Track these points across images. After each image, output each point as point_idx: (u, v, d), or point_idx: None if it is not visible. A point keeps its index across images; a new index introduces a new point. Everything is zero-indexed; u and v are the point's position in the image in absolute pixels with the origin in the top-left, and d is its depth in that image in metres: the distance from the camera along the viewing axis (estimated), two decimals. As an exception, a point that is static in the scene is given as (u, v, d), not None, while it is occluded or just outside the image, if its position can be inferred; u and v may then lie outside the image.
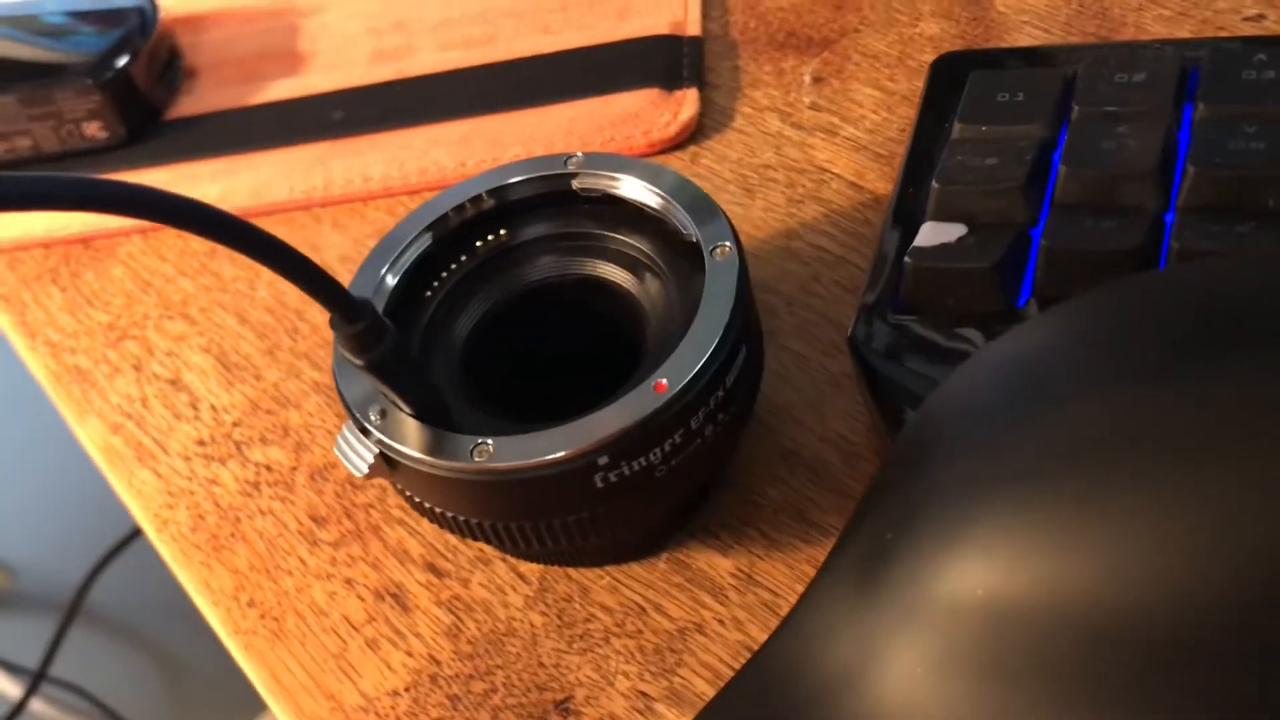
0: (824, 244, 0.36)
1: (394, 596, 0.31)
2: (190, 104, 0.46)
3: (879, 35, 0.41)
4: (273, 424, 0.36)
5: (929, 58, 0.40)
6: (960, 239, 0.29)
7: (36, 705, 0.96)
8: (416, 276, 0.31)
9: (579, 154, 0.31)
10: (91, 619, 0.98)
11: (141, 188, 0.20)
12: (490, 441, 0.26)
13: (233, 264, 0.41)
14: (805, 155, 0.38)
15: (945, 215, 0.30)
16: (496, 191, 0.31)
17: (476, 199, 0.31)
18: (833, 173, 0.38)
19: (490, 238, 0.32)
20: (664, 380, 0.26)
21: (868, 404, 0.30)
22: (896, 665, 0.23)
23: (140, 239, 0.43)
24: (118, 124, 0.44)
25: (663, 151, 0.40)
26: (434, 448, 0.26)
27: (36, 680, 0.93)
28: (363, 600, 0.31)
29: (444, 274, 0.31)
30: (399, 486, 0.28)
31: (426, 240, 0.31)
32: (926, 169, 0.32)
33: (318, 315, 0.39)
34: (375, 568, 0.32)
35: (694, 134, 0.40)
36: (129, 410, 0.38)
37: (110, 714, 1.00)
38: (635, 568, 0.30)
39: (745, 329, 0.28)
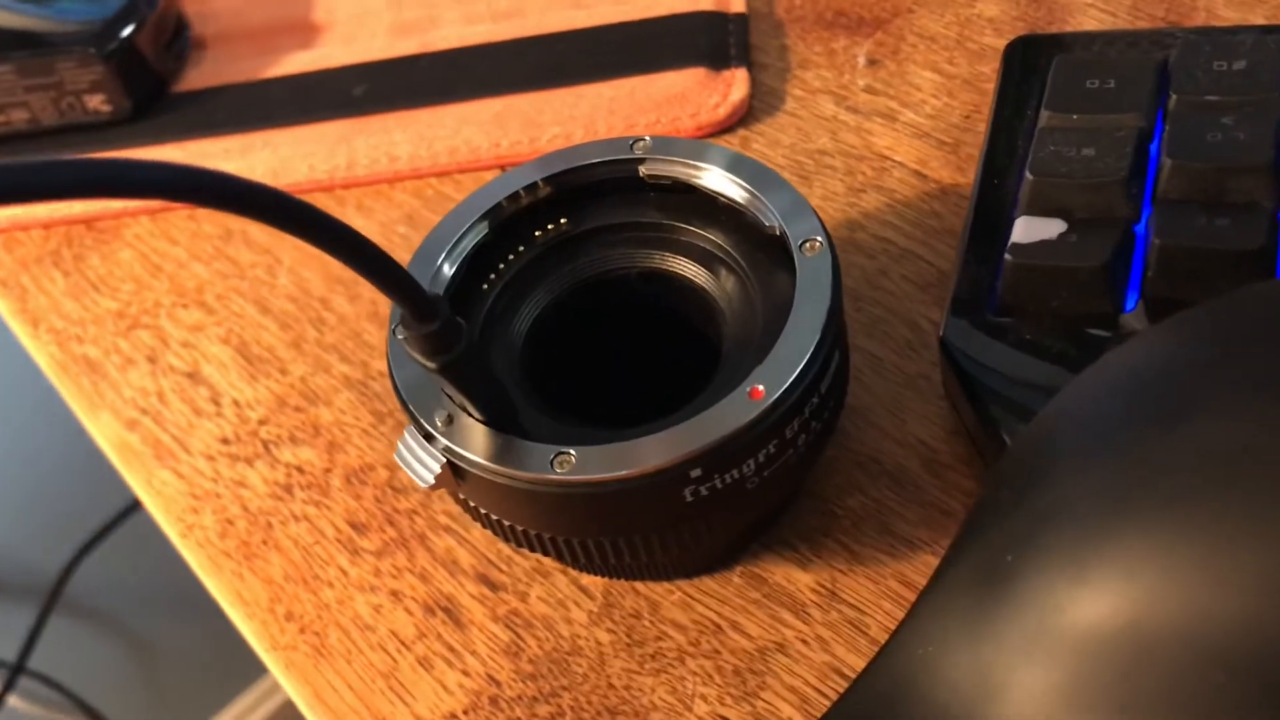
0: (890, 236, 0.34)
1: (446, 611, 0.29)
2: (199, 77, 0.43)
3: (934, 16, 0.40)
4: (302, 422, 0.34)
5: (989, 40, 0.38)
6: (1061, 235, 0.27)
7: (12, 699, 0.93)
8: (473, 268, 0.29)
9: (646, 138, 0.29)
10: (70, 610, 0.95)
11: (190, 168, 0.18)
12: (572, 452, 0.24)
13: (249, 249, 0.39)
14: (863, 141, 0.36)
15: (1040, 209, 0.28)
16: (557, 177, 0.29)
17: (534, 185, 0.29)
18: (894, 160, 0.36)
19: (550, 227, 0.29)
20: (760, 387, 0.24)
21: (958, 409, 0.28)
22: (1023, 695, 0.21)
23: (148, 220, 0.40)
24: (123, 97, 0.41)
25: (711, 135, 0.38)
26: (508, 457, 0.24)
27: (14, 674, 0.90)
28: (411, 614, 0.29)
29: (501, 265, 0.29)
30: (462, 497, 0.26)
31: (483, 229, 0.29)
32: (1010, 159, 0.31)
33: (344, 305, 0.36)
34: (423, 579, 0.30)
35: (744, 117, 0.38)
36: (144, 405, 0.35)
37: (82, 705, 0.98)
38: (708, 582, 0.28)
39: (838, 331, 0.26)
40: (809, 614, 0.27)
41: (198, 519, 0.32)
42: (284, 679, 0.29)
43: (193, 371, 0.36)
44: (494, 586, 0.29)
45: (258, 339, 0.36)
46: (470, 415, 0.25)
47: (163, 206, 0.40)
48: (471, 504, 0.26)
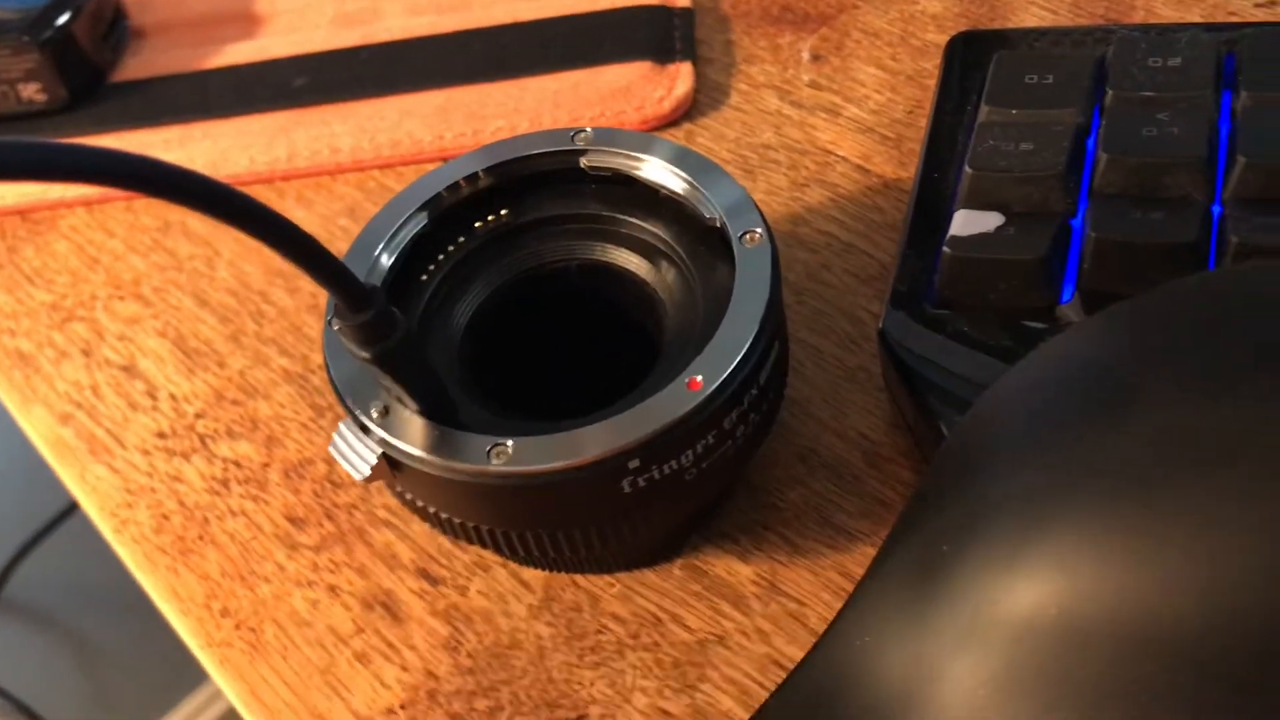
0: (832, 230, 0.34)
1: (384, 605, 0.29)
2: (137, 66, 0.43)
3: (879, 12, 0.40)
4: (240, 416, 0.33)
5: (932, 36, 0.39)
6: (999, 229, 0.27)
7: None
8: (411, 259, 0.28)
9: (588, 129, 0.29)
10: (9, 611, 0.94)
11: (104, 150, 0.18)
12: (509, 443, 0.24)
13: (188, 240, 0.38)
14: (807, 136, 0.36)
15: (978, 203, 0.28)
16: (497, 168, 0.29)
17: (474, 176, 0.29)
18: (837, 155, 0.36)
19: (490, 218, 0.29)
20: (699, 378, 0.24)
21: (897, 401, 0.28)
22: (958, 686, 0.21)
23: (84, 211, 0.40)
24: (58, 86, 0.40)
25: (656, 129, 0.38)
26: (444, 449, 0.24)
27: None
28: (349, 609, 0.29)
29: (440, 256, 0.29)
30: (399, 489, 0.26)
31: (422, 219, 0.28)
32: (950, 153, 0.31)
33: (285, 298, 0.36)
34: (362, 574, 0.29)
35: (688, 111, 0.38)
36: (79, 399, 0.35)
37: (23, 708, 0.96)
38: (648, 575, 0.28)
39: (778, 323, 0.26)
40: (749, 606, 0.27)
41: (132, 514, 0.32)
42: (218, 676, 0.29)
43: (128, 365, 0.35)
44: (433, 581, 0.29)
45: (195, 332, 0.35)
46: (406, 407, 0.24)
47: (101, 197, 0.39)
48: (409, 497, 0.26)
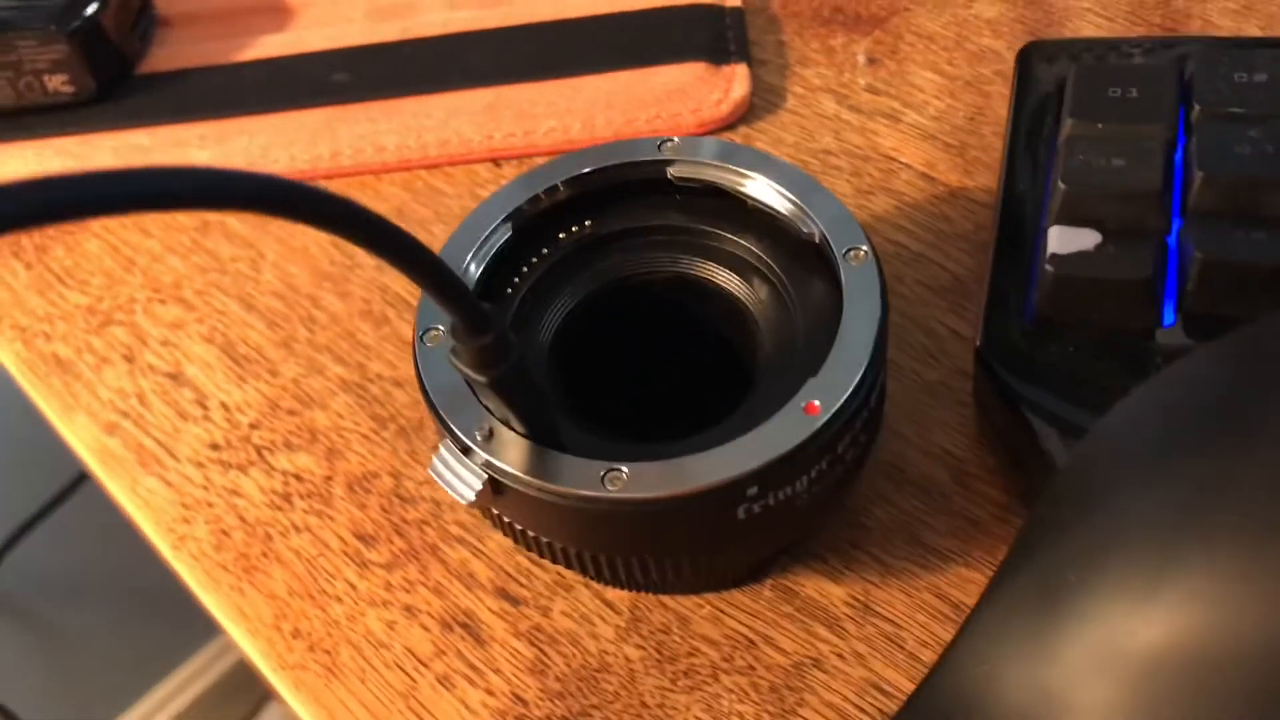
0: (901, 240, 0.34)
1: (464, 627, 0.28)
2: (165, 58, 0.41)
3: (931, 15, 0.39)
4: (297, 426, 0.32)
5: (988, 41, 0.38)
6: (1098, 247, 0.27)
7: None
8: (496, 272, 0.27)
9: (675, 138, 0.28)
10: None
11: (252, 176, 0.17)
12: (624, 469, 0.23)
13: (229, 242, 0.37)
14: (869, 141, 0.36)
15: (1072, 219, 0.28)
16: (580, 178, 0.28)
17: (555, 187, 0.28)
18: (901, 162, 0.35)
19: (574, 229, 0.28)
20: (816, 402, 0.23)
21: (992, 420, 0.28)
22: (1086, 716, 0.21)
23: (115, 209, 0.38)
24: (86, 77, 0.39)
25: (713, 132, 0.37)
26: (556, 473, 0.23)
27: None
28: (428, 631, 0.28)
29: (525, 269, 0.28)
30: (495, 512, 0.25)
31: (506, 231, 0.28)
32: (1033, 167, 0.30)
33: (336, 302, 0.35)
34: (438, 593, 0.29)
35: (745, 114, 0.37)
36: (124, 407, 0.33)
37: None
38: (737, 595, 0.28)
39: (885, 345, 0.25)
40: (843, 628, 0.27)
41: (190, 530, 0.31)
42: (294, 700, 0.28)
43: (175, 372, 0.34)
44: (514, 601, 0.28)
45: (244, 338, 0.34)
46: (512, 429, 0.24)
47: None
48: (506, 519, 0.25)
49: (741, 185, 0.28)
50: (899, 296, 0.32)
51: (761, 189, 0.27)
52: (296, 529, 0.30)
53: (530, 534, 0.25)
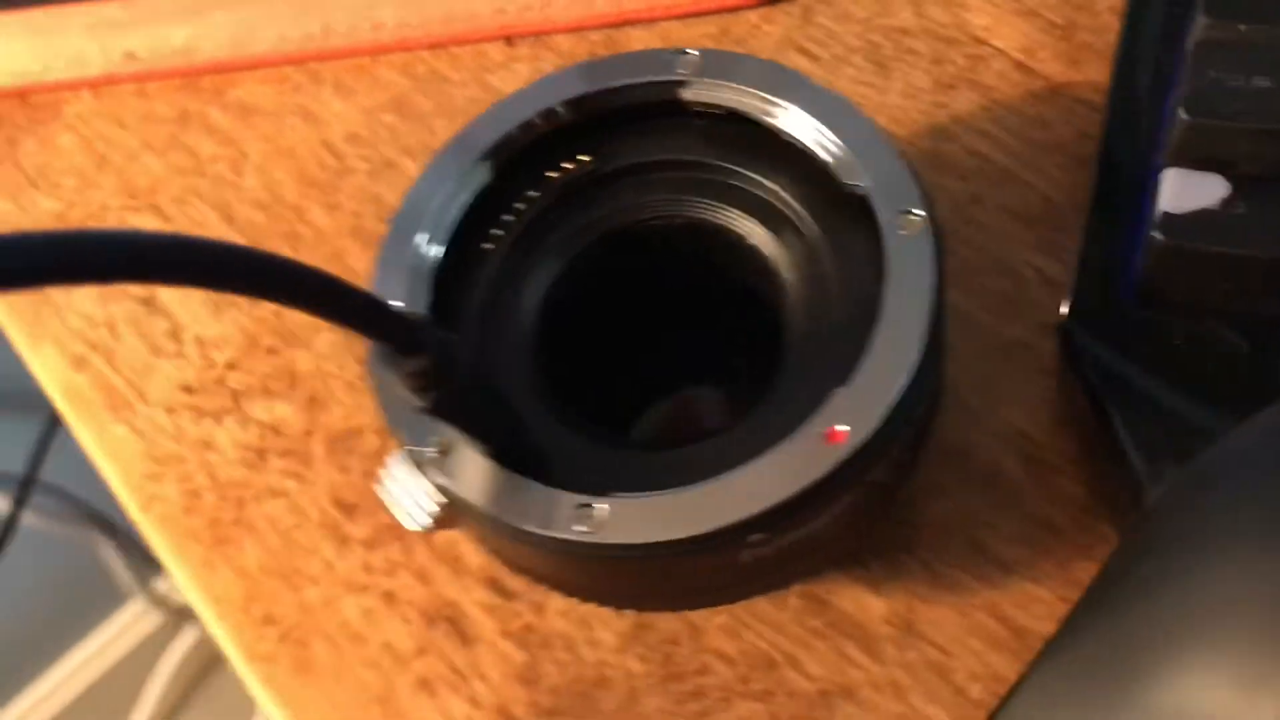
0: (985, 150, 0.28)
1: (449, 621, 0.25)
2: (141, -90, 0.36)
3: None
4: (277, 368, 0.29)
5: (1113, -118, 0.31)
6: (1225, 202, 0.21)
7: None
8: (471, 224, 0.23)
9: (694, 51, 0.23)
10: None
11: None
12: (602, 506, 0.19)
13: (210, 138, 0.32)
14: (955, 18, 0.30)
15: (1194, 159, 0.22)
16: (577, 102, 0.23)
17: (549, 112, 0.23)
18: (993, 46, 0.29)
19: (568, 165, 0.23)
20: (841, 427, 0.19)
21: (1075, 409, 0.23)
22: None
23: (90, 95, 0.34)
24: (49, -60, 0.34)
25: (766, 3, 0.31)
26: (520, 505, 0.19)
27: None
28: (409, 623, 0.25)
29: (508, 218, 0.23)
30: (462, 530, 0.21)
31: (484, 172, 0.23)
32: (1152, 78, 0.24)
33: (322, 216, 0.30)
34: (422, 579, 0.25)
35: (805, -20, 0.31)
36: (93, 338, 0.30)
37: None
38: (759, 604, 0.24)
39: (939, 337, 0.20)
40: (881, 651, 0.23)
41: (159, 488, 0.28)
42: (263, 696, 0.25)
43: (148, 297, 0.30)
44: (505, 594, 0.25)
45: (222, 258, 0.30)
46: (473, 448, 0.20)
47: (107, 79, 0.34)
48: (479, 542, 0.21)
49: (774, 118, 0.22)
50: (978, 226, 0.27)
51: (800, 123, 0.22)
52: (273, 493, 0.27)
53: (500, 560, 0.21)
